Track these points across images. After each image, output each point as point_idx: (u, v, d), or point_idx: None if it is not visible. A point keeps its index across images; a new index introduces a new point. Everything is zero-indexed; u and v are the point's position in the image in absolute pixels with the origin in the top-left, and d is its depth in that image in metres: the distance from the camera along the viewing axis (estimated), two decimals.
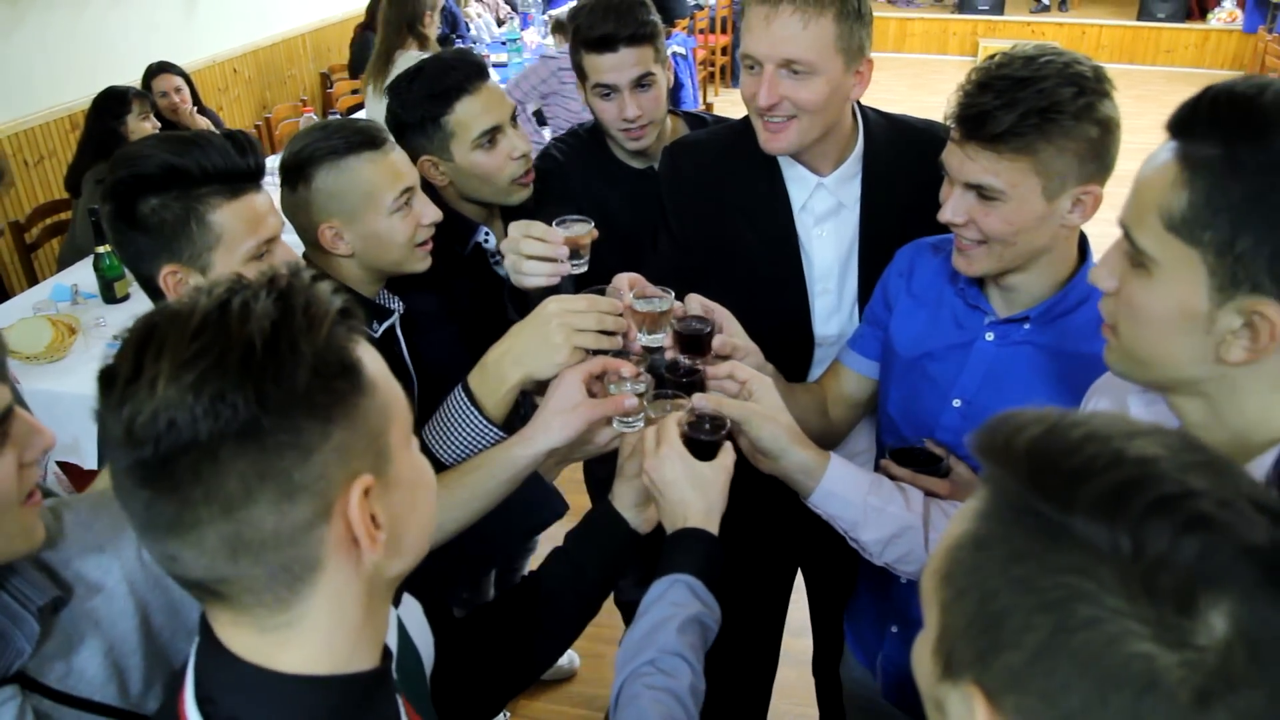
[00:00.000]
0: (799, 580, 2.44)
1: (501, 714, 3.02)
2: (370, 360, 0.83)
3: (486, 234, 2.16)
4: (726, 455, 1.39)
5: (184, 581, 0.80)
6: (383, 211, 1.77)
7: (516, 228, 1.61)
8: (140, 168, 1.44)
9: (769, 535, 2.21)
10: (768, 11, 1.66)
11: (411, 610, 1.16)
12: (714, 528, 1.34)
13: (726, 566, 2.26)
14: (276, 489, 0.75)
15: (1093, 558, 0.61)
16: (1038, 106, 1.35)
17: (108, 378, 0.76)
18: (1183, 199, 0.98)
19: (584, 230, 1.63)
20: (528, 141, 2.10)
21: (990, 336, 1.58)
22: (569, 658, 3.29)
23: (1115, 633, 0.60)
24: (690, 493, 1.34)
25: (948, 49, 12.15)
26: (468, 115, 2.00)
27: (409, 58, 4.66)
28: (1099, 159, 1.40)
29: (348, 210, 1.76)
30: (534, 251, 1.53)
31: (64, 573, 1.08)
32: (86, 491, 1.30)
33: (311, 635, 0.82)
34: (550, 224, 1.68)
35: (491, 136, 2.02)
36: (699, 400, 1.43)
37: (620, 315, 1.49)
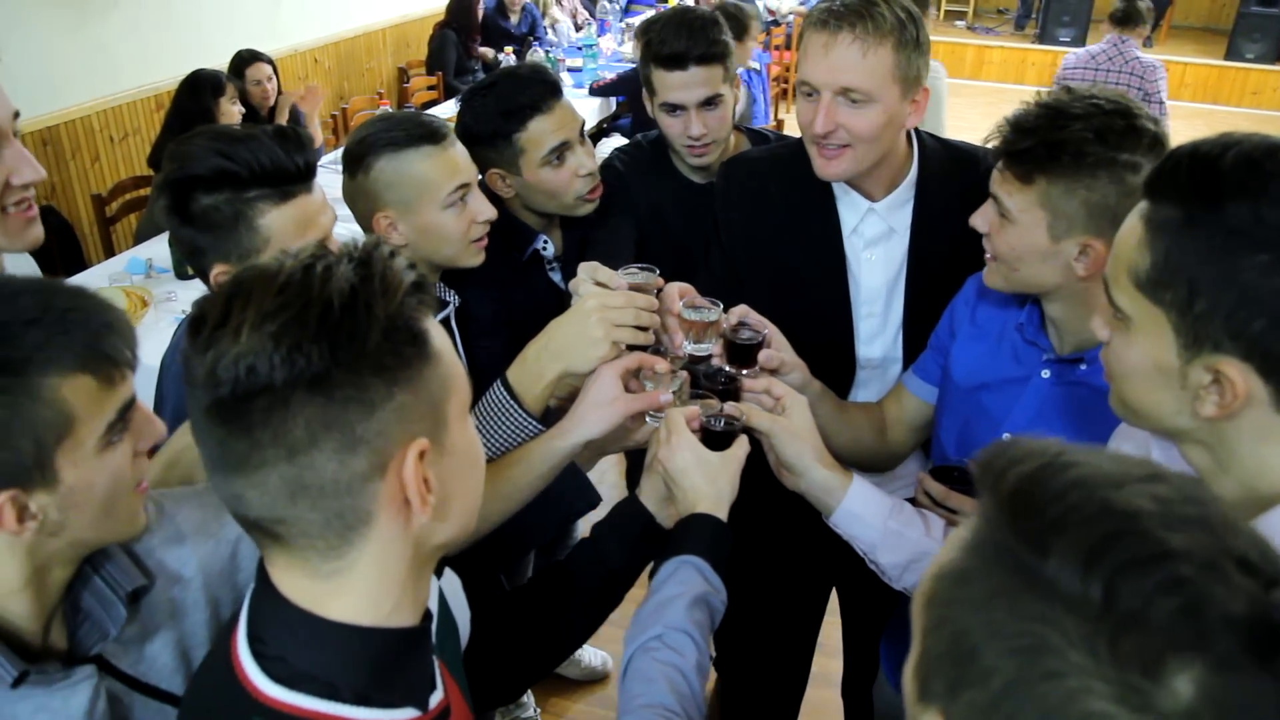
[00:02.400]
0: (834, 603, 2.44)
1: (532, 710, 3.05)
2: (436, 333, 0.89)
3: (545, 242, 2.19)
4: (739, 447, 1.44)
5: (245, 522, 0.87)
6: (437, 205, 1.81)
7: (585, 269, 1.60)
8: (192, 167, 1.47)
9: (805, 554, 2.23)
10: (826, 39, 1.68)
11: (452, 584, 1.21)
12: (723, 514, 1.39)
13: (761, 584, 2.30)
14: (339, 439, 0.81)
15: (1061, 609, 0.60)
16: (1049, 140, 1.38)
17: (197, 322, 0.82)
18: (1147, 259, 0.99)
19: (648, 279, 1.62)
20: (594, 158, 2.13)
21: (1046, 374, 1.59)
22: (601, 659, 3.30)
23: (1076, 688, 0.59)
24: (700, 480, 1.38)
25: (1025, 79, 11.99)
26: (539, 133, 2.03)
27: None
28: (1114, 219, 1.35)
29: (403, 201, 1.81)
30: (626, 321, 1.49)
31: (147, 561, 1.13)
32: (157, 461, 1.36)
33: (358, 585, 0.88)
34: (612, 249, 1.69)
35: (560, 154, 2.05)
36: (730, 408, 1.48)
37: (655, 311, 1.52)
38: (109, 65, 5.46)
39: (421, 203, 1.81)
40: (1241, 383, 0.95)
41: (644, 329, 1.50)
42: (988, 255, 1.56)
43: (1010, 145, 1.42)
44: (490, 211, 1.88)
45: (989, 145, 1.50)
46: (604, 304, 1.48)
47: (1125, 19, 5.81)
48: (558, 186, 2.08)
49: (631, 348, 1.51)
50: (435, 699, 0.98)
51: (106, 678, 1.06)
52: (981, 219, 1.54)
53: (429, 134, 1.81)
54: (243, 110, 4.58)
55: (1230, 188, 0.94)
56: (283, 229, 1.50)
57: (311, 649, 0.88)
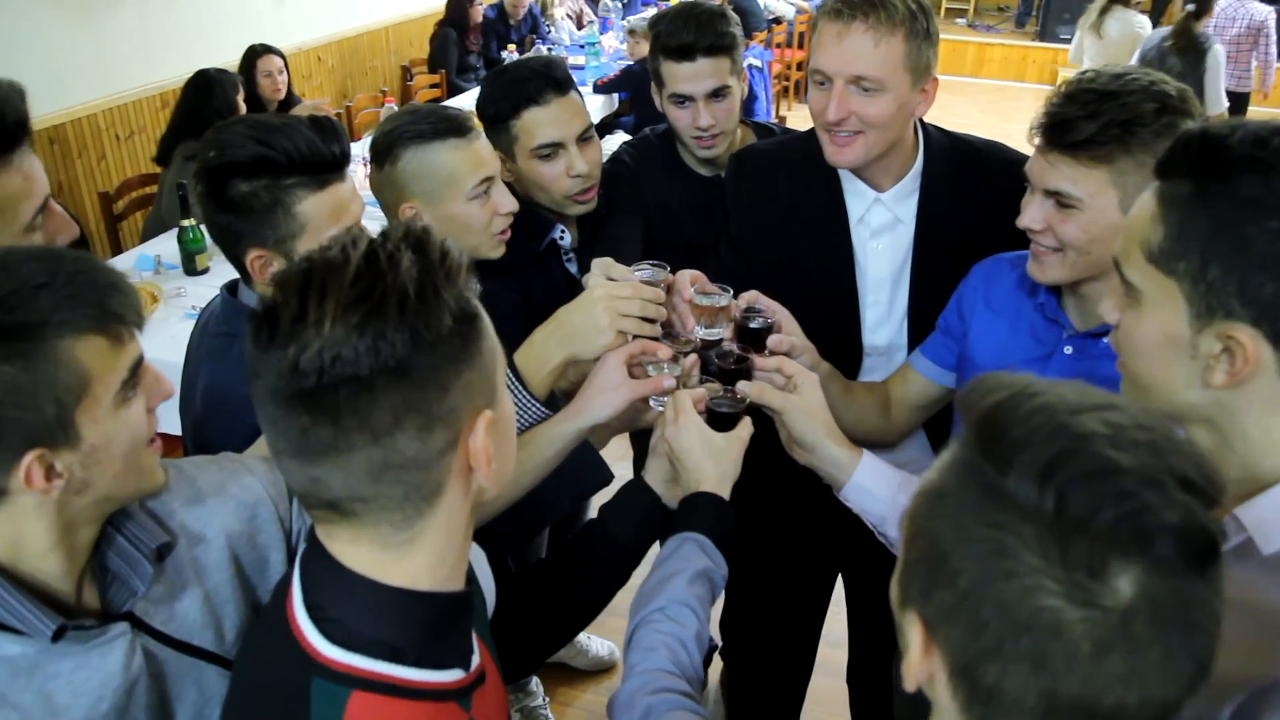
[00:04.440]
0: (838, 594, 2.46)
1: (541, 699, 3.07)
2: (482, 309, 0.94)
3: (562, 232, 2.22)
4: (743, 428, 1.48)
5: (319, 502, 0.90)
6: (461, 197, 1.85)
7: (599, 265, 1.64)
8: (232, 154, 1.49)
9: (810, 542, 2.26)
10: (840, 29, 1.70)
11: (477, 555, 1.25)
12: (725, 492, 1.43)
13: (767, 573, 2.32)
14: (419, 420, 0.87)
15: (1019, 517, 0.69)
16: (1120, 119, 1.39)
17: (269, 318, 0.85)
18: (1159, 232, 1.03)
19: (663, 276, 1.65)
20: (594, 164, 2.13)
21: (1069, 350, 1.62)
22: (609, 649, 3.32)
23: (1030, 586, 0.68)
24: (704, 459, 1.43)
25: (1025, 76, 12.03)
26: (532, 124, 2.06)
27: None
28: None
29: (428, 192, 1.85)
30: (632, 311, 1.52)
31: (169, 522, 1.16)
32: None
33: (425, 552, 0.93)
34: (620, 243, 1.70)
35: (552, 150, 2.07)
36: (743, 386, 1.52)
37: (661, 304, 1.55)
38: (115, 63, 5.49)
39: (447, 194, 1.85)
40: (1252, 348, 0.99)
41: (650, 320, 1.53)
42: (1045, 249, 1.54)
43: (1078, 133, 1.42)
44: (512, 204, 1.91)
45: (1034, 143, 1.51)
46: (611, 294, 1.52)
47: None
48: (547, 181, 2.10)
49: (637, 337, 1.54)
50: (474, 662, 1.02)
51: (140, 634, 1.09)
52: (1033, 217, 1.52)
53: (455, 127, 1.84)
54: (243, 107, 4.61)
55: (1240, 162, 0.98)
56: (318, 215, 1.53)
57: (373, 613, 0.93)
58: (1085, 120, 1.41)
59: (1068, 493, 0.68)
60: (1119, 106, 1.40)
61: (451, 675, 0.97)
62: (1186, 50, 5.90)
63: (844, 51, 1.71)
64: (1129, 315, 1.10)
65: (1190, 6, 5.89)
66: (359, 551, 0.93)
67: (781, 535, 2.29)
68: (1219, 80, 5.98)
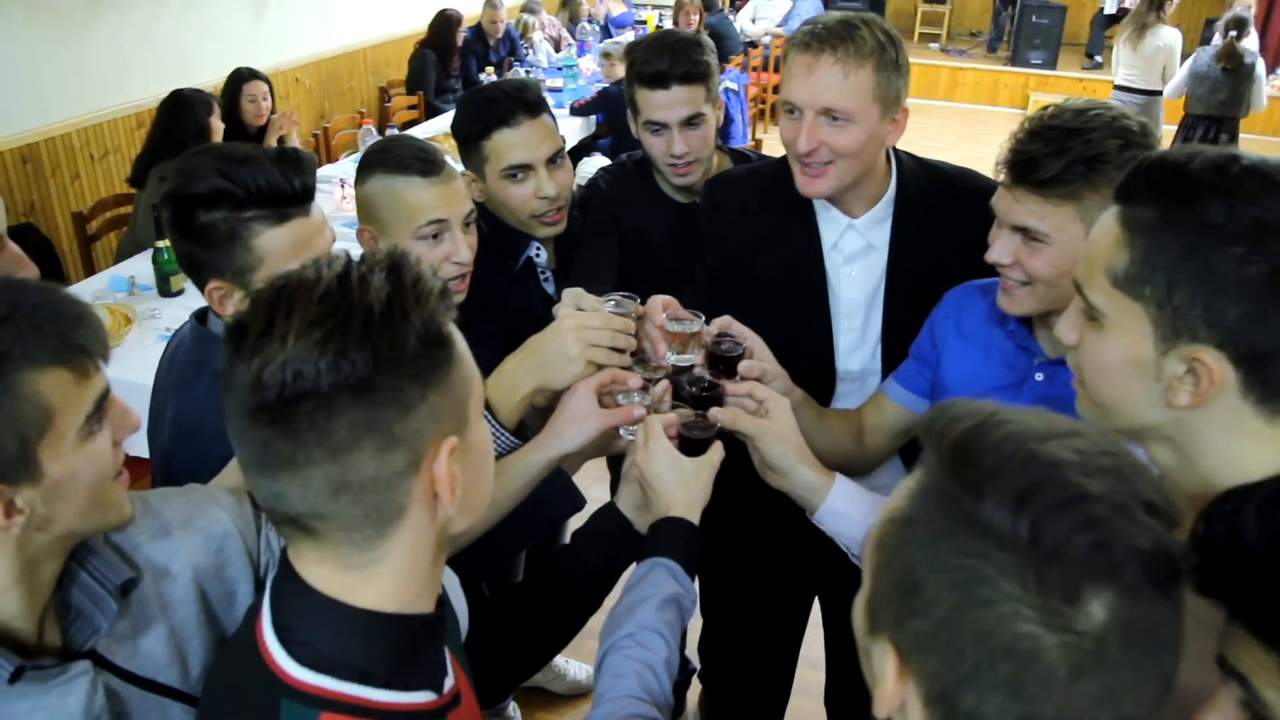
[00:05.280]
0: (815, 615, 2.47)
1: None
2: (457, 336, 0.94)
3: (538, 249, 2.23)
4: (714, 452, 1.50)
5: (282, 518, 0.91)
6: (409, 233, 1.86)
7: (570, 296, 1.64)
8: (193, 185, 1.49)
9: (787, 564, 2.26)
10: (809, 60, 1.72)
11: (451, 580, 1.25)
12: (695, 517, 1.44)
13: (745, 595, 2.32)
14: (379, 439, 0.87)
15: (994, 546, 0.71)
16: (1085, 155, 1.42)
17: (238, 331, 0.87)
18: (1124, 257, 1.06)
19: (632, 308, 1.65)
20: (563, 187, 2.13)
21: (1040, 377, 1.64)
22: (586, 673, 3.30)
23: (1007, 613, 0.70)
24: (674, 484, 1.44)
25: (998, 100, 12.18)
26: (502, 146, 2.07)
27: None
28: None
29: (382, 220, 1.89)
30: (602, 341, 1.53)
31: (134, 556, 1.15)
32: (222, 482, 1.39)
33: (389, 575, 0.93)
34: (594, 269, 1.71)
35: (521, 171, 2.08)
36: (715, 412, 1.53)
37: (632, 334, 1.56)
38: (90, 83, 5.46)
39: (396, 226, 1.87)
40: (1217, 370, 1.01)
41: (620, 350, 1.54)
42: (1014, 282, 1.56)
43: (1044, 171, 1.44)
44: (466, 255, 1.91)
45: (1000, 179, 1.53)
46: (582, 324, 1.52)
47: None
48: (515, 202, 2.11)
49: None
50: (448, 684, 1.02)
51: (103, 673, 1.07)
52: (1001, 252, 1.55)
53: (421, 166, 1.86)
54: (222, 128, 4.61)
55: (1203, 188, 1.01)
56: (278, 250, 1.52)
57: (340, 635, 0.93)
58: (1051, 158, 1.43)
59: (1042, 521, 0.69)
60: (1084, 144, 1.42)
61: (422, 697, 0.97)
62: (1235, 67, 7.23)
63: (814, 83, 1.73)
64: (1090, 336, 1.13)
65: (1233, 33, 7.21)
66: (324, 572, 0.93)
67: (758, 558, 2.30)
68: (1262, 88, 7.44)
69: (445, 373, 0.91)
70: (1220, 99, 7.35)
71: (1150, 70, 7.69)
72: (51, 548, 1.03)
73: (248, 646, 0.96)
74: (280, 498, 0.89)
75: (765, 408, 1.59)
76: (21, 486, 0.96)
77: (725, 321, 1.70)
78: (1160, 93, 7.74)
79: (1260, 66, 7.42)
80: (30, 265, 1.44)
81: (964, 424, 0.77)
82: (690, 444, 1.50)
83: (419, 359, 0.88)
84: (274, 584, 0.97)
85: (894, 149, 1.93)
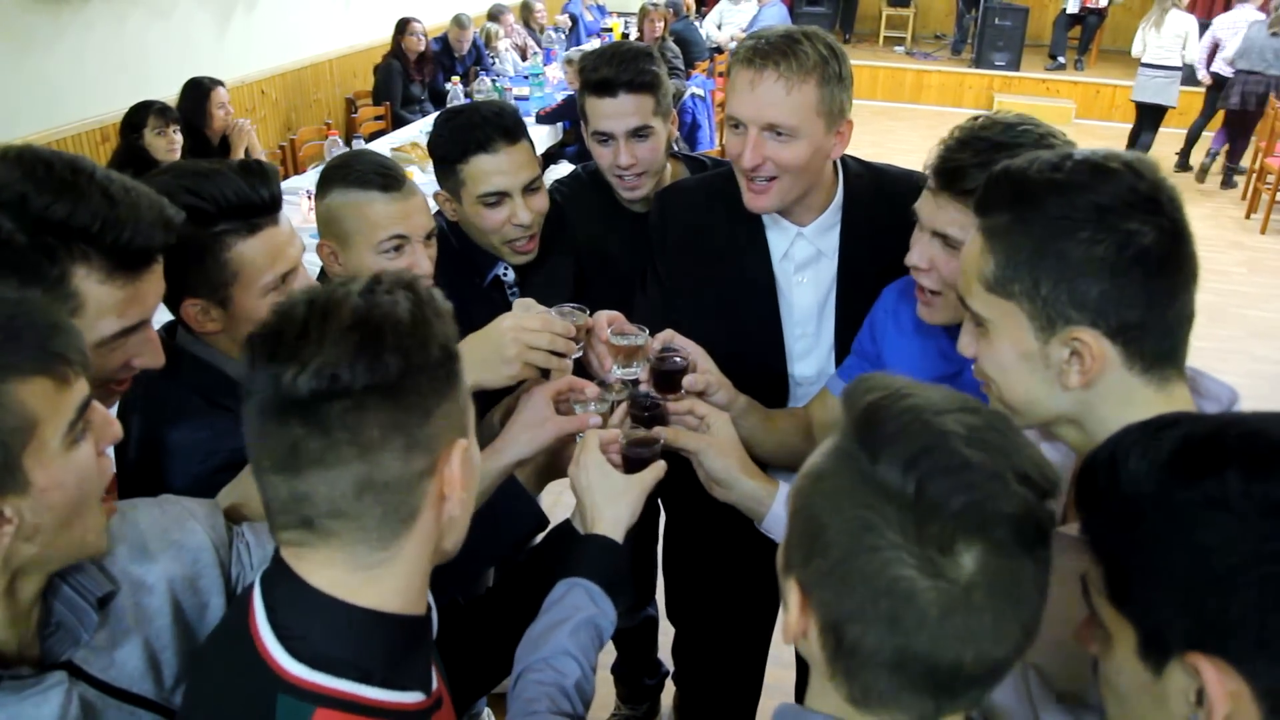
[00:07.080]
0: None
1: None
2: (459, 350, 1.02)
3: (505, 268, 2.23)
4: (649, 472, 1.49)
5: (297, 520, 0.95)
6: (369, 249, 1.86)
7: (519, 305, 1.65)
8: None
9: (753, 565, 2.29)
10: (752, 76, 1.75)
11: None
12: (619, 536, 1.45)
13: (714, 598, 2.36)
14: (404, 440, 0.94)
15: (885, 500, 0.82)
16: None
17: (272, 337, 0.92)
18: (990, 263, 1.16)
19: (580, 319, 1.67)
20: (538, 214, 2.13)
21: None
22: None
23: (890, 558, 0.82)
24: (602, 500, 1.46)
25: (963, 102, 12.30)
26: (480, 172, 2.06)
27: None
28: None
29: (342, 235, 1.88)
30: (540, 344, 1.55)
31: (111, 569, 1.16)
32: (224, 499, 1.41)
33: (396, 575, 0.99)
34: (549, 285, 1.73)
35: (497, 199, 2.07)
36: (658, 431, 1.56)
37: (573, 339, 1.57)
38: (54, 97, 5.42)
39: (355, 241, 1.87)
40: (1096, 346, 1.11)
41: (560, 355, 1.55)
42: (929, 294, 1.60)
43: (968, 181, 1.46)
44: (425, 267, 1.90)
45: (929, 184, 1.55)
46: (519, 325, 1.54)
47: None
48: (489, 227, 2.10)
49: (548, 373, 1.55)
50: (434, 685, 1.07)
51: (78, 683, 1.09)
52: (920, 255, 1.58)
53: (383, 183, 1.85)
54: (176, 141, 4.62)
55: (1043, 187, 1.13)
56: (251, 261, 1.52)
57: (340, 634, 0.97)
58: (977, 169, 1.46)
59: (926, 481, 0.80)
60: (1009, 158, 1.46)
61: (413, 697, 1.01)
62: None
63: (757, 99, 1.76)
64: (983, 345, 1.22)
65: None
66: (331, 573, 0.97)
67: (725, 562, 2.32)
68: None
69: (456, 382, 1.00)
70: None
71: (1172, 49, 8.98)
72: (35, 564, 1.03)
73: (242, 641, 0.99)
74: (305, 498, 0.94)
75: (706, 423, 1.62)
76: (8, 496, 0.96)
77: (668, 335, 1.72)
78: (1180, 69, 9.07)
79: None
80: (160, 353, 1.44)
81: (875, 395, 0.88)
82: (634, 462, 1.51)
83: (439, 367, 0.96)
84: (266, 581, 1.01)
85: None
